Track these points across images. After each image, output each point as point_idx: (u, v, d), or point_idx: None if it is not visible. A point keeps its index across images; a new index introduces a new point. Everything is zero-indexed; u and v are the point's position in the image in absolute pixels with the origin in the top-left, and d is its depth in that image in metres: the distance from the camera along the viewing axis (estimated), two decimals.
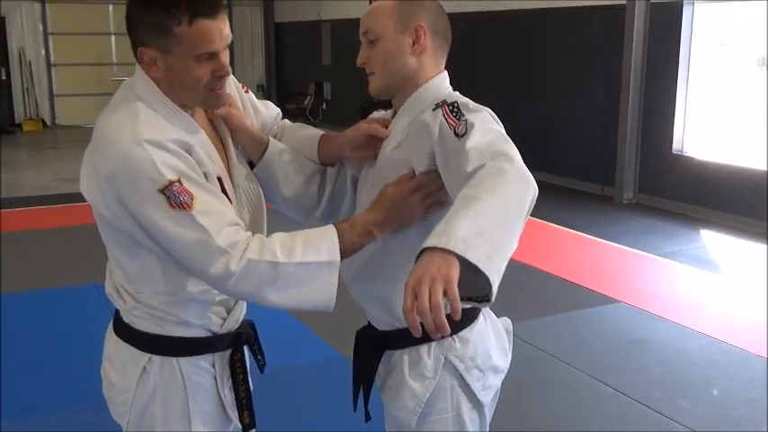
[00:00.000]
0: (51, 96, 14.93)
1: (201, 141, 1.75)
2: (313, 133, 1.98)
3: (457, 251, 1.37)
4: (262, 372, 2.07)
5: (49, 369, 4.17)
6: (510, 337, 2.03)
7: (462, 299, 1.38)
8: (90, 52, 14.91)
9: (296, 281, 1.63)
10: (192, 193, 1.61)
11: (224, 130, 1.89)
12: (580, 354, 4.38)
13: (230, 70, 1.73)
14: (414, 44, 1.81)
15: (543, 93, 9.55)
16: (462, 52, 11.56)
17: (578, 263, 6.21)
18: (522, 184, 1.50)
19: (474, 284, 1.42)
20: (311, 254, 1.64)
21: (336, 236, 1.68)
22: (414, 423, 1.83)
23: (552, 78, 9.38)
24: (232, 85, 1.94)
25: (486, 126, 1.64)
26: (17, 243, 6.64)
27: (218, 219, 1.63)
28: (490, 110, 1.75)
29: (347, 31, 13.97)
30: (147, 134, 1.61)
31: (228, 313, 1.88)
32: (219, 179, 1.76)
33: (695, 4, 7.70)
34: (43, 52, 14.77)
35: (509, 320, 2.07)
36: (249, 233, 1.67)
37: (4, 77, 14.51)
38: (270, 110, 2.07)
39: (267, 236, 1.71)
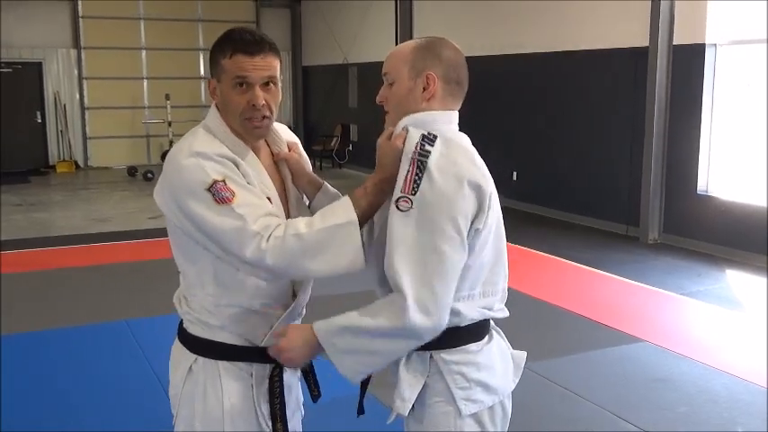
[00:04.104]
0: (84, 139, 15.29)
1: (251, 164, 2.00)
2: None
3: (329, 354, 1.88)
4: (314, 401, 2.27)
5: (79, 403, 4.26)
6: (519, 370, 2.14)
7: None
8: (123, 96, 15.29)
9: (322, 245, 1.85)
10: (233, 191, 1.88)
11: (285, 172, 2.14)
12: (603, 392, 4.38)
13: (263, 102, 1.96)
14: (423, 90, 1.96)
15: (569, 134, 9.64)
16: (488, 94, 11.83)
17: (603, 302, 6.23)
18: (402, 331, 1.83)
19: None
20: (329, 219, 1.88)
21: (349, 200, 1.92)
22: (407, 411, 1.97)
23: (577, 119, 9.48)
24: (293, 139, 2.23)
25: (426, 218, 1.82)
26: (48, 282, 6.80)
27: (256, 209, 1.88)
28: (461, 165, 1.88)
29: (373, 75, 14.09)
30: (199, 148, 1.93)
31: (270, 328, 2.05)
32: (270, 200, 1.99)
33: (717, 47, 7.78)
34: (78, 96, 15.17)
35: (524, 355, 2.19)
36: (281, 220, 1.91)
37: (39, 120, 14.93)
38: None
39: None
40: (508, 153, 10.57)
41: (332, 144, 14.99)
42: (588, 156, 9.36)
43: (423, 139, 1.89)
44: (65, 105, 15.02)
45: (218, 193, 1.86)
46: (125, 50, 15.20)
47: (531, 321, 5.68)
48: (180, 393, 2.07)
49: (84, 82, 15.13)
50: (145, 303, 5.85)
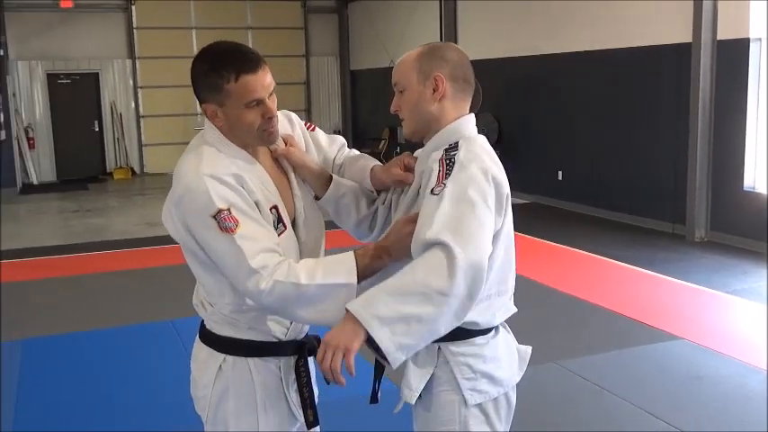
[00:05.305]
0: (140, 146, 15.73)
1: (257, 173, 2.05)
2: (367, 164, 2.28)
3: (367, 327, 1.74)
4: (327, 383, 2.31)
5: (127, 397, 4.46)
6: (524, 364, 2.20)
7: (374, 349, 1.78)
8: (176, 104, 15.64)
9: (317, 300, 1.89)
10: (237, 221, 1.92)
11: (287, 165, 2.20)
12: (638, 389, 4.39)
13: (276, 112, 2.04)
14: (434, 92, 2.04)
15: (614, 132, 9.57)
16: (533, 94, 11.77)
17: (645, 301, 6.18)
18: (449, 282, 1.76)
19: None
20: (330, 277, 1.91)
21: (354, 262, 1.95)
22: (414, 400, 2.05)
23: (622, 117, 9.40)
24: (296, 126, 2.28)
25: (458, 192, 1.86)
26: (100, 284, 7.07)
27: (256, 244, 1.91)
28: (486, 162, 1.95)
29: None
30: (208, 169, 1.95)
31: (291, 323, 2.13)
32: (276, 207, 2.06)
33: (762, 42, 7.66)
34: (133, 105, 15.62)
35: (529, 349, 2.25)
36: (282, 258, 1.94)
37: (96, 129, 15.41)
38: (334, 144, 2.37)
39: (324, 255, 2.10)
40: (553, 153, 10.54)
41: (380, 147, 15.12)
42: (633, 154, 9.27)
43: (446, 151, 1.99)
44: (121, 114, 15.47)
45: (222, 222, 1.90)
46: (178, 59, 15.52)
47: (570, 320, 5.71)
48: (210, 393, 2.13)
49: (139, 91, 15.57)
50: (189, 304, 6.03)
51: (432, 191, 1.90)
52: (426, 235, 1.81)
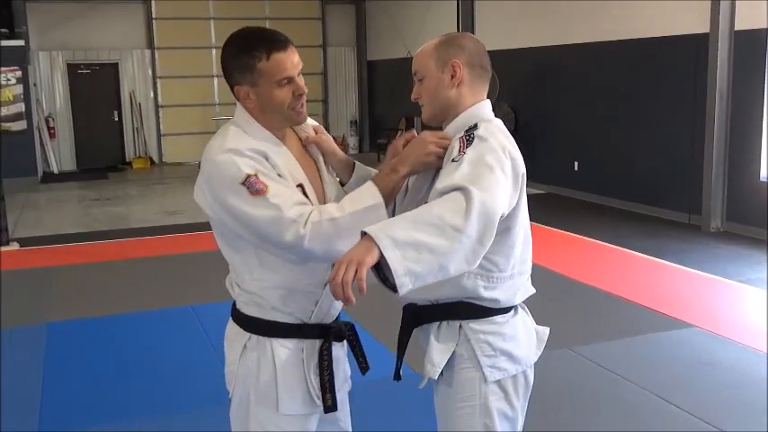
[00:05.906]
0: (159, 136, 15.88)
1: (282, 155, 2.13)
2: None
3: (380, 245, 1.74)
4: (363, 373, 2.40)
5: (149, 378, 4.57)
6: (541, 344, 2.28)
7: (381, 279, 1.81)
8: (194, 94, 15.79)
9: (354, 228, 1.91)
10: (266, 183, 2.00)
11: (316, 153, 2.28)
12: (650, 375, 4.45)
13: (306, 90, 2.12)
14: (452, 78, 2.13)
15: (629, 123, 9.59)
16: (549, 84, 11.74)
17: (659, 289, 6.23)
18: (466, 214, 1.80)
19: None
20: (358, 203, 2.01)
21: (374, 184, 2.06)
22: (436, 375, 2.13)
23: (638, 108, 9.42)
24: (321, 128, 2.37)
25: (477, 157, 1.94)
26: (121, 270, 7.21)
27: (288, 198, 2.01)
28: (503, 139, 2.03)
29: None
30: (231, 145, 2.05)
31: (316, 305, 2.18)
32: (302, 186, 2.13)
33: None
34: (152, 95, 15.76)
35: (547, 330, 2.33)
36: (313, 207, 2.03)
37: (116, 119, 15.56)
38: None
39: None
40: (569, 143, 10.57)
41: (396, 137, 15.16)
42: (649, 144, 9.30)
43: (465, 131, 2.06)
44: (140, 104, 15.62)
45: (252, 186, 1.98)
46: (196, 50, 15.68)
47: (584, 307, 5.77)
48: (236, 370, 2.20)
49: (158, 81, 15.70)
50: (209, 290, 6.14)
51: (453, 160, 1.98)
52: (445, 183, 1.89)
